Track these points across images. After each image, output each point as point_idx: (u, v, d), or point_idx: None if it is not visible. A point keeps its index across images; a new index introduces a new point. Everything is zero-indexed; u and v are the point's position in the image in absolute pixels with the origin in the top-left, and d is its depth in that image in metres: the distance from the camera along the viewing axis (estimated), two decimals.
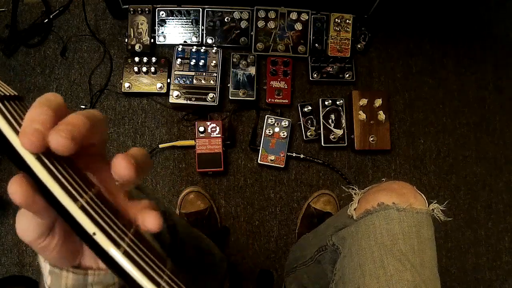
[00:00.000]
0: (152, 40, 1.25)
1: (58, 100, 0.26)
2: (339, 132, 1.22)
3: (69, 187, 0.24)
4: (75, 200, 0.24)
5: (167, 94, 1.22)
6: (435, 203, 0.60)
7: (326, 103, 1.23)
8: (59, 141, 0.23)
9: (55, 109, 0.25)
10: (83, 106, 1.24)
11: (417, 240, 0.56)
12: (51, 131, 0.24)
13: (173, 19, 1.25)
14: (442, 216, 0.60)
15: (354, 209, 0.63)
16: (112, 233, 0.25)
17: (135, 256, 0.25)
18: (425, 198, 0.60)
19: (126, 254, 0.24)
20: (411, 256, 0.55)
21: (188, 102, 1.19)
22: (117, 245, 0.24)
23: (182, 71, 1.20)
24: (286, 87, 1.24)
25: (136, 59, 1.22)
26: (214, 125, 1.18)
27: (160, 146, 1.21)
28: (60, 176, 0.24)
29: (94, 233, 0.24)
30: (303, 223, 1.18)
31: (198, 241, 0.93)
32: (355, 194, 0.67)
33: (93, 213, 0.24)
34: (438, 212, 0.60)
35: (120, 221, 0.26)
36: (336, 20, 1.27)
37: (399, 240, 0.56)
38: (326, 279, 0.70)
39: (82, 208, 0.24)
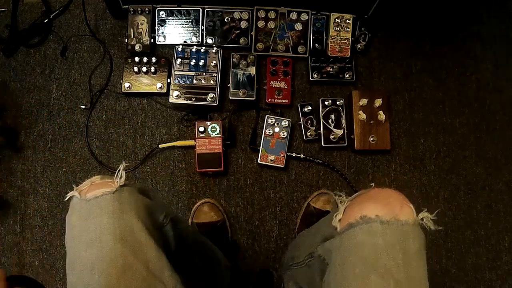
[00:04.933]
0: (152, 40, 1.25)
1: None
2: (339, 132, 1.22)
3: None
4: None
5: (167, 94, 1.22)
6: (425, 212, 0.57)
7: (326, 103, 1.23)
8: None
9: None
10: (83, 106, 1.24)
11: (402, 254, 0.54)
12: None
13: (173, 19, 1.25)
14: (432, 225, 0.57)
15: (339, 220, 0.61)
16: None
17: None
18: (413, 208, 0.57)
19: None
20: (395, 271, 0.53)
21: (188, 102, 1.19)
22: None
23: (182, 71, 1.20)
24: (286, 87, 1.24)
25: (136, 59, 1.22)
26: (214, 125, 1.18)
27: (160, 146, 1.21)
28: None
29: None
30: (303, 222, 1.18)
31: (204, 247, 0.92)
32: (341, 202, 0.64)
33: None
34: (428, 221, 0.57)
35: None
36: (336, 20, 1.27)
37: (382, 254, 0.54)
38: (315, 284, 0.69)
39: None
